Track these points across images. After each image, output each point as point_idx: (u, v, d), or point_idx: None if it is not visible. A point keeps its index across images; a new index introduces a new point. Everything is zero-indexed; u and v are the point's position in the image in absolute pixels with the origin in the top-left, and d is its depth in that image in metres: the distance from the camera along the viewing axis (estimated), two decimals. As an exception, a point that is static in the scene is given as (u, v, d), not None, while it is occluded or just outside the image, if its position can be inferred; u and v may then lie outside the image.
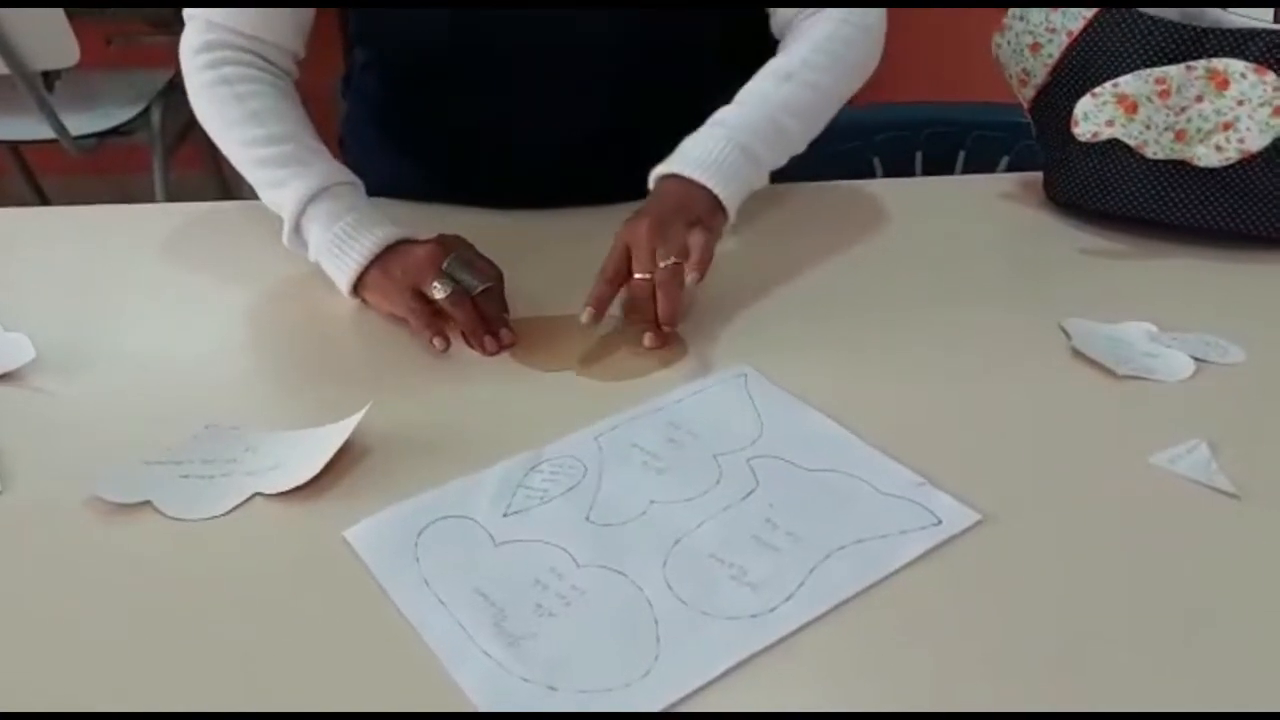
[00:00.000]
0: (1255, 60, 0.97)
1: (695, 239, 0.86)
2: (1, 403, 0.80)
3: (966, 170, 1.42)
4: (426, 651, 0.58)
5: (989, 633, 0.60)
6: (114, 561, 0.65)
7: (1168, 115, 1.00)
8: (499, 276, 0.90)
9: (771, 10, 1.05)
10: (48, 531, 0.67)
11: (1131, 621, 0.61)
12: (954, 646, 0.59)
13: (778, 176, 1.04)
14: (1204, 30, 0.99)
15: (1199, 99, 1.00)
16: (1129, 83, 1.01)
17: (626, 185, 0.96)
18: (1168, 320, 0.90)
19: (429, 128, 1.09)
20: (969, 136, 1.42)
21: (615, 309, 0.89)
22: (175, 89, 1.61)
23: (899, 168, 1.43)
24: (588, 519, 0.68)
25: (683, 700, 0.56)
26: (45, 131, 2.18)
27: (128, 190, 1.64)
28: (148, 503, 0.69)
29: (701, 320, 0.90)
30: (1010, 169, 1.38)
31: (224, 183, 2.49)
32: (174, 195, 2.31)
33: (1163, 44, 1.00)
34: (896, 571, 0.64)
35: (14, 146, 2.54)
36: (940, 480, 0.71)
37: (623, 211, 0.91)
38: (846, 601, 0.62)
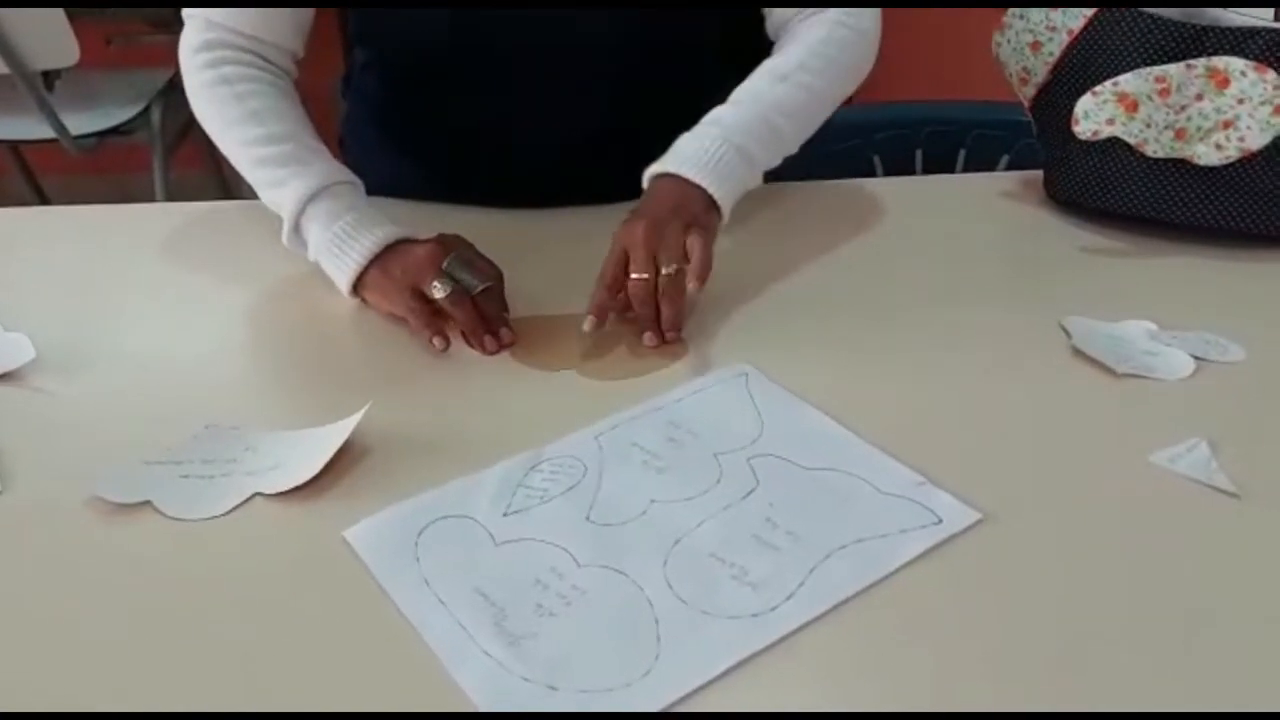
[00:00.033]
0: (1255, 59, 0.97)
1: (694, 244, 0.86)
2: (1, 402, 0.80)
3: (967, 169, 1.42)
4: (427, 651, 0.58)
5: (989, 632, 0.60)
6: (114, 561, 0.65)
7: (1168, 114, 1.00)
8: (499, 276, 0.90)
9: (767, 11, 1.05)
10: (48, 531, 0.67)
11: (1131, 621, 0.61)
12: (954, 646, 0.59)
13: (778, 175, 1.05)
14: (1204, 29, 0.99)
15: (1199, 97, 0.99)
16: (1129, 81, 1.01)
17: (626, 185, 0.96)
18: (1168, 319, 0.90)
19: (429, 127, 1.09)
20: (969, 135, 1.42)
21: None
22: (175, 88, 1.61)
23: (899, 166, 1.43)
24: (588, 518, 0.68)
25: (683, 700, 0.56)
26: (45, 131, 2.18)
27: (128, 190, 1.64)
28: (148, 503, 0.69)
29: (702, 319, 0.90)
30: (1010, 167, 1.38)
31: (224, 182, 2.49)
32: (174, 195, 2.31)
33: (1163, 42, 1.00)
34: (897, 571, 0.64)
35: (14, 146, 2.54)
36: (940, 479, 0.71)
37: (622, 211, 0.91)
38: (847, 601, 0.62)
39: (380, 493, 0.70)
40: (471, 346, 0.86)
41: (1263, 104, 0.97)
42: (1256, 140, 0.98)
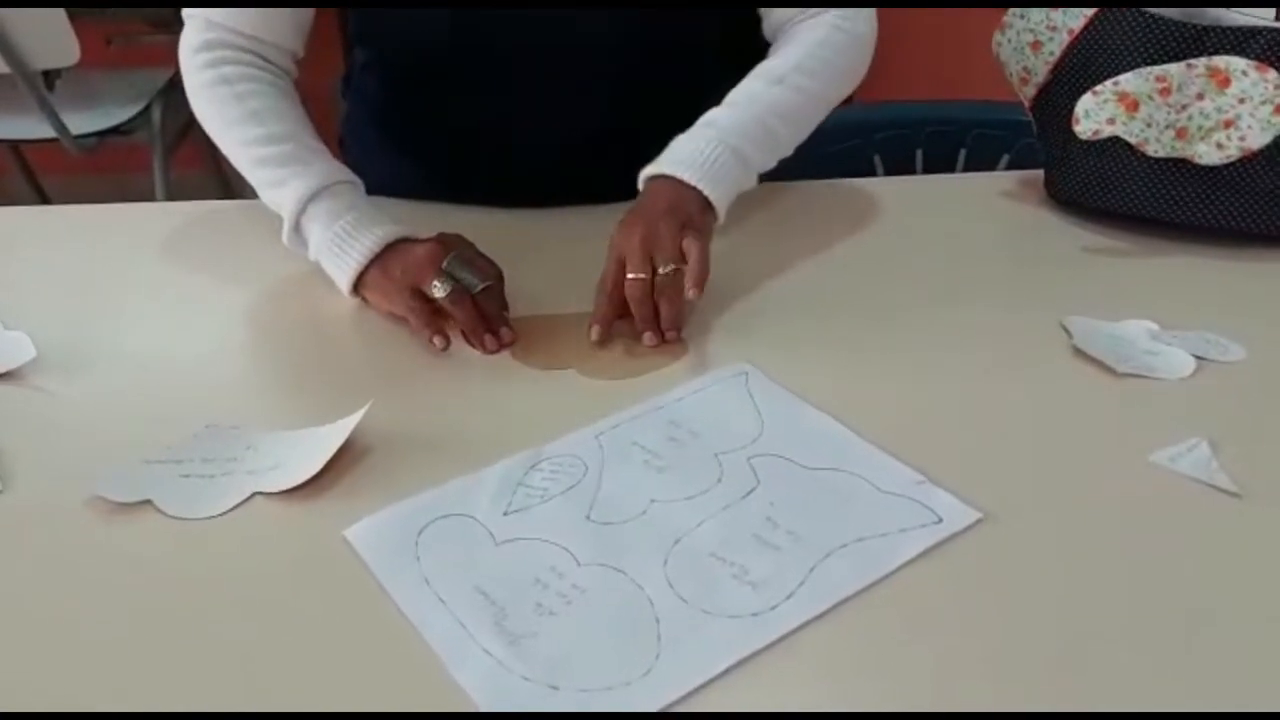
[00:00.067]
0: (1256, 58, 0.97)
1: (691, 248, 0.86)
2: (2, 402, 0.80)
3: (967, 168, 1.42)
4: (427, 650, 0.58)
5: (989, 631, 0.60)
6: (114, 561, 0.65)
7: (1169, 113, 1.00)
8: (499, 275, 0.90)
9: (764, 13, 1.05)
10: (48, 531, 0.67)
11: (1132, 620, 0.61)
12: (954, 645, 0.59)
13: (779, 175, 1.05)
14: (1205, 28, 0.99)
15: (1200, 97, 0.99)
16: (1130, 80, 1.01)
17: (626, 185, 0.96)
18: (1168, 318, 0.90)
19: (429, 127, 1.09)
20: (970, 135, 1.41)
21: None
22: (175, 88, 1.61)
23: (900, 166, 1.43)
24: (588, 518, 0.68)
25: (683, 699, 0.56)
26: (46, 130, 2.18)
27: (128, 189, 1.64)
28: (148, 502, 0.69)
29: (702, 319, 0.90)
30: (1011, 167, 1.38)
31: (224, 182, 2.49)
32: (174, 194, 2.32)
33: (1164, 42, 1.00)
34: (897, 570, 0.64)
35: (14, 145, 2.54)
36: (941, 478, 0.71)
37: (623, 211, 0.92)
38: (847, 600, 0.62)
39: (380, 492, 0.70)
40: (472, 346, 0.86)
41: (1263, 103, 0.97)
42: (1257, 140, 0.98)
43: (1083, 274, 0.99)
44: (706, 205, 0.92)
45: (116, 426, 0.78)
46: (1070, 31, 1.05)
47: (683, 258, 0.87)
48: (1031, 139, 1.15)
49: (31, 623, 0.61)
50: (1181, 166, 1.01)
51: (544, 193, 1.07)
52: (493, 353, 0.85)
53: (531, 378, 0.83)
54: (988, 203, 1.14)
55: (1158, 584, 0.63)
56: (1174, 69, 0.99)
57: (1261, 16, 1.01)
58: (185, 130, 2.31)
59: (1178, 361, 0.84)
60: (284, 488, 0.70)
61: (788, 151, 1.00)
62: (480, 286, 0.87)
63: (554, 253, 1.00)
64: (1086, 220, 1.08)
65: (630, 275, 0.86)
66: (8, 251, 1.03)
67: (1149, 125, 1.01)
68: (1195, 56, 0.99)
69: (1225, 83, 0.98)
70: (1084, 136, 1.03)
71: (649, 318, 0.86)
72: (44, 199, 2.70)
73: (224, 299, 0.94)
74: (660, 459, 0.74)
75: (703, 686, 0.56)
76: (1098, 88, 1.02)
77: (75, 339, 0.87)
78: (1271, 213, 1.00)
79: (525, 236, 1.01)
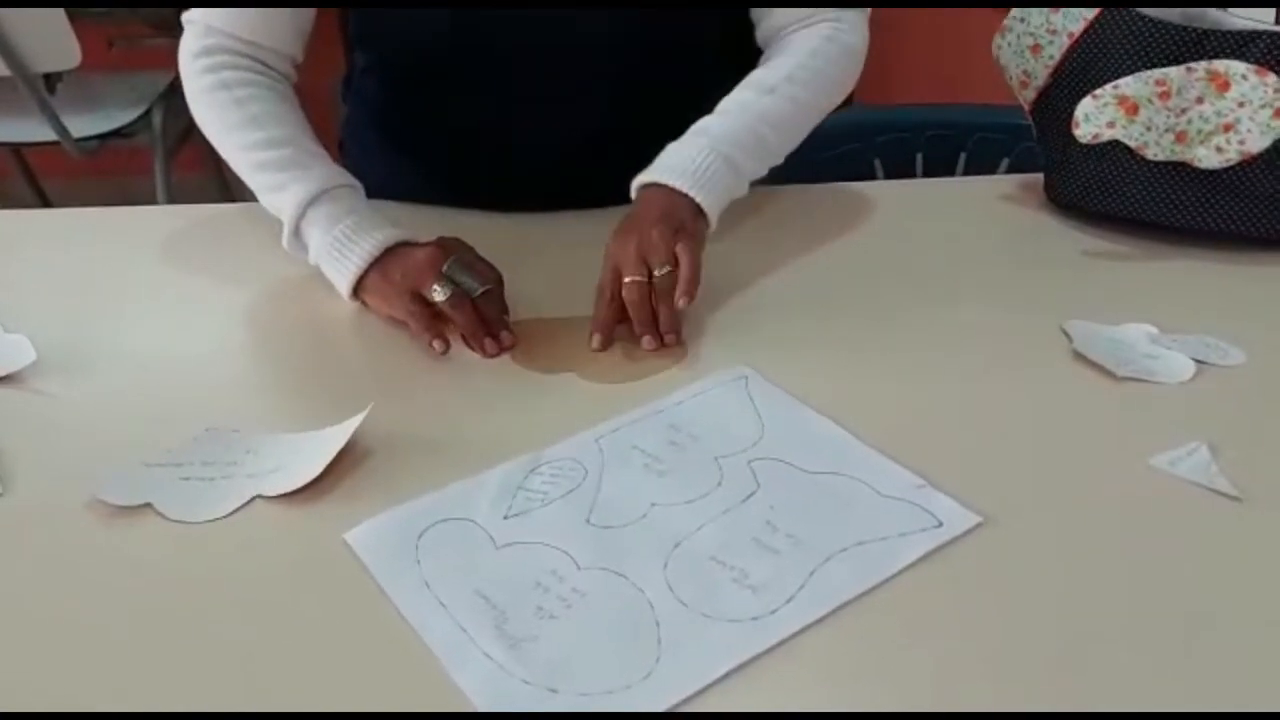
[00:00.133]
0: (1256, 62, 0.97)
1: (682, 255, 0.87)
2: (2, 404, 0.80)
3: (967, 172, 1.42)
4: (427, 654, 0.58)
5: (990, 635, 0.60)
6: (115, 563, 0.65)
7: (1168, 117, 1.00)
8: (499, 279, 0.90)
9: (758, 21, 1.05)
10: (48, 533, 0.67)
11: (1132, 624, 0.61)
12: (955, 648, 0.59)
13: (779, 178, 1.05)
14: (1205, 32, 0.99)
15: (1200, 100, 1.00)
16: (1130, 84, 1.01)
17: (626, 186, 0.96)
18: (1168, 322, 0.90)
19: (429, 129, 1.10)
20: (970, 138, 1.42)
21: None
22: (176, 91, 1.62)
23: (900, 169, 1.43)
24: (588, 521, 0.68)
25: (684, 702, 0.56)
26: (47, 133, 2.18)
27: (129, 192, 1.64)
28: (148, 505, 0.69)
29: (702, 322, 0.90)
30: (1011, 171, 1.38)
31: (225, 185, 2.49)
32: (175, 197, 2.32)
33: (1163, 45, 1.00)
34: (897, 574, 0.64)
35: (15, 148, 2.54)
36: (941, 482, 0.71)
37: (622, 215, 0.92)
38: (847, 604, 0.62)
39: (381, 495, 0.70)
40: (472, 349, 0.86)
41: (1263, 107, 0.97)
42: (1257, 143, 0.98)
43: (1082, 278, 0.99)
44: (699, 212, 0.92)
45: (117, 429, 0.78)
46: (1070, 35, 1.05)
47: (677, 262, 0.87)
48: (1031, 143, 1.15)
49: (32, 625, 0.61)
50: (1181, 170, 1.01)
51: (544, 194, 1.07)
52: (493, 356, 0.85)
53: (531, 381, 0.83)
54: (988, 206, 1.14)
55: (1157, 587, 0.63)
56: (1174, 73, 1.00)
57: (1261, 20, 1.01)
58: (186, 133, 2.32)
59: (1177, 365, 0.84)
60: (284, 491, 0.70)
61: (778, 160, 1.01)
62: (480, 290, 0.87)
63: (554, 256, 1.00)
64: (1086, 224, 1.08)
65: (627, 279, 0.86)
66: (9, 254, 1.03)
67: (1149, 129, 1.01)
68: (1195, 60, 0.99)
69: (1225, 86, 0.98)
70: (1084, 140, 1.03)
71: (647, 321, 0.86)
72: (45, 202, 2.70)
73: (224, 302, 0.95)
74: (660, 462, 0.74)
75: (703, 690, 0.56)
76: (1097, 91, 1.02)
77: (76, 342, 0.87)
78: (1271, 216, 1.00)
79: (525, 240, 1.02)
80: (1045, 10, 1.06)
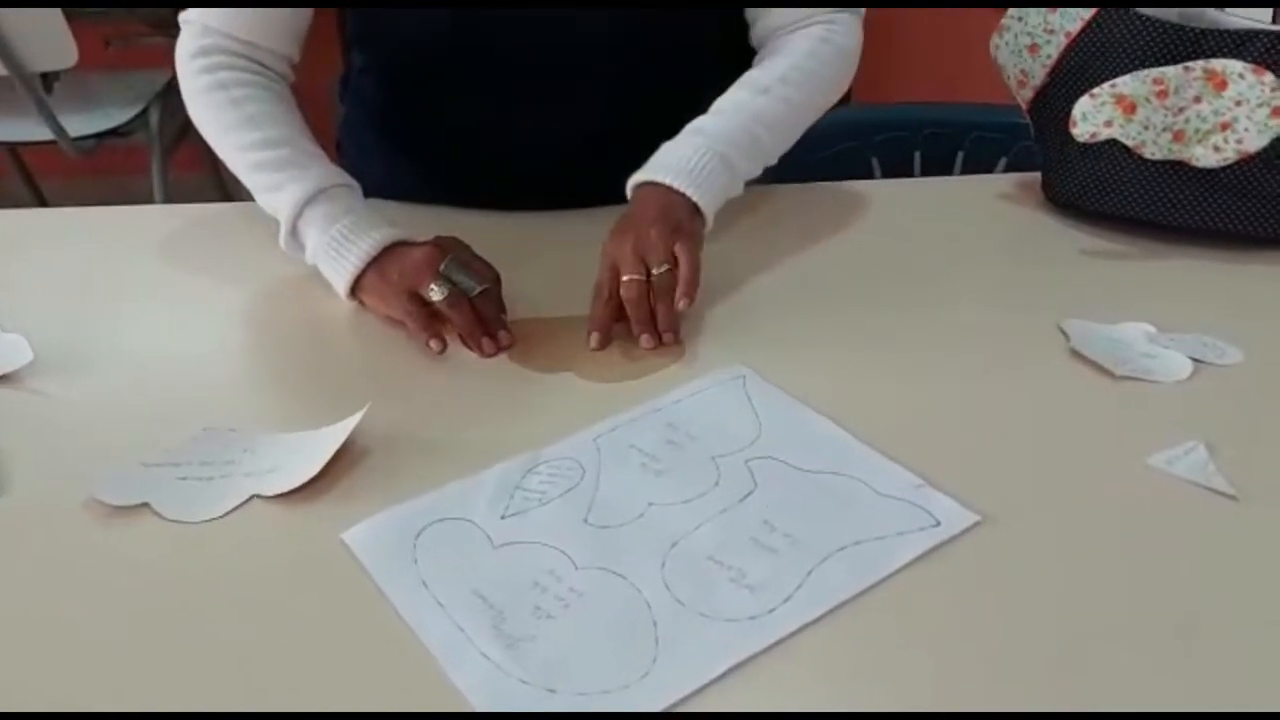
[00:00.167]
0: (1253, 61, 0.97)
1: (682, 255, 0.87)
2: (-1, 405, 0.80)
3: (965, 171, 1.42)
4: (425, 653, 0.58)
5: (988, 634, 0.60)
6: (112, 563, 0.65)
7: (1166, 116, 1.01)
8: (496, 278, 0.90)
9: (752, 22, 1.06)
10: (46, 533, 0.67)
11: (1130, 622, 0.61)
12: (953, 647, 0.59)
13: (777, 177, 1.05)
14: (1202, 31, 0.99)
15: (1197, 99, 1.00)
16: (1127, 83, 1.01)
17: (625, 186, 0.96)
18: (1166, 321, 0.90)
19: (427, 129, 1.09)
20: (968, 137, 1.42)
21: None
22: (173, 90, 1.62)
23: (898, 168, 1.43)
24: (586, 521, 0.68)
25: (681, 702, 0.56)
26: (44, 133, 2.18)
27: (126, 191, 1.64)
28: (146, 505, 0.69)
29: (700, 321, 0.90)
30: (1009, 170, 1.38)
31: (222, 184, 2.49)
32: (172, 196, 2.32)
33: (1161, 45, 1.00)
34: (895, 573, 0.64)
35: (12, 148, 2.54)
36: (939, 481, 0.71)
37: (620, 214, 0.92)
38: (845, 603, 0.62)
39: (378, 495, 0.70)
40: (469, 349, 0.86)
41: (1260, 106, 0.97)
42: (1254, 142, 0.98)
43: (1080, 276, 1.00)
44: (696, 211, 0.92)
45: (114, 429, 0.78)
46: (1068, 34, 1.05)
47: (676, 260, 0.87)
48: (1029, 141, 1.15)
49: (30, 624, 0.61)
50: (1179, 169, 1.01)
51: (543, 194, 1.07)
52: (490, 356, 0.85)
53: (529, 380, 0.83)
54: (985, 205, 1.14)
55: (1155, 586, 0.63)
56: (1171, 72, 1.00)
57: (1258, 19, 1.01)
58: (183, 132, 2.32)
59: (1175, 364, 0.84)
60: (282, 490, 0.70)
61: (772, 160, 1.01)
62: (478, 289, 0.87)
63: (552, 256, 1.00)
64: (1084, 223, 1.08)
65: (625, 277, 0.86)
66: (6, 254, 1.03)
67: (1146, 128, 1.01)
68: (1192, 59, 0.99)
69: (1222, 85, 0.98)
70: (1081, 139, 1.03)
71: (645, 320, 0.86)
72: (42, 201, 2.70)
73: (222, 301, 0.94)
74: (658, 462, 0.74)
75: (700, 689, 0.56)
76: (1095, 90, 1.02)
77: (73, 341, 0.87)
78: (1269, 215, 1.00)
79: (523, 239, 1.01)
80: (1043, 10, 1.06)
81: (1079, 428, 0.78)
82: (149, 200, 2.29)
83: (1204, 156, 1.00)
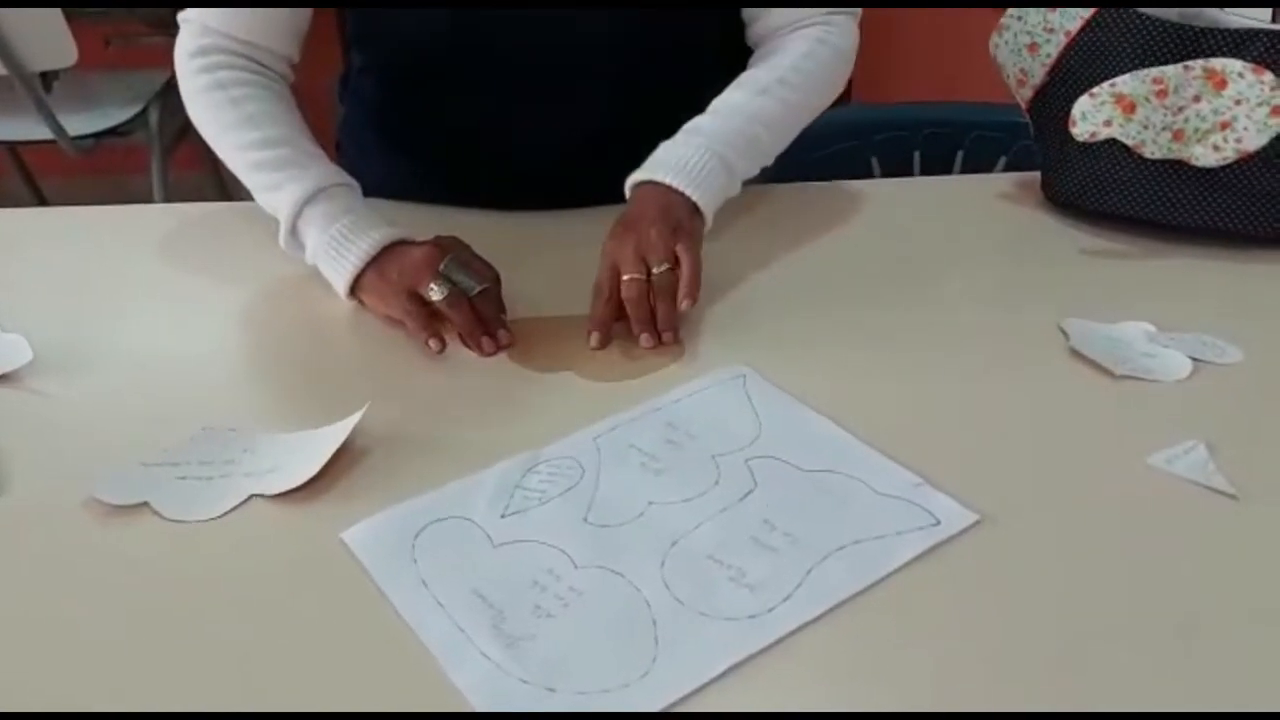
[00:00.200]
0: (1253, 60, 0.97)
1: (683, 256, 0.87)
2: (-1, 404, 0.80)
3: (965, 170, 1.42)
4: (424, 653, 0.58)
5: (987, 633, 0.60)
6: (112, 563, 0.65)
7: (1165, 115, 1.00)
8: (496, 278, 0.89)
9: (749, 22, 1.06)
10: (45, 533, 0.67)
11: (1130, 621, 0.61)
12: (953, 647, 0.59)
13: (776, 176, 1.05)
14: (1202, 30, 0.99)
15: (1197, 99, 1.00)
16: (1127, 83, 1.01)
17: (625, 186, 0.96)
18: (1166, 320, 0.90)
19: (427, 129, 1.09)
20: (967, 136, 1.42)
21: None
22: (173, 89, 1.62)
23: (897, 168, 1.43)
24: (585, 520, 0.68)
25: (681, 701, 0.56)
26: (43, 132, 2.18)
27: (126, 191, 1.64)
28: (145, 504, 0.69)
29: (699, 320, 0.90)
30: (1008, 169, 1.38)
31: (222, 183, 2.49)
32: (172, 196, 2.32)
33: (1160, 44, 1.00)
34: (895, 572, 0.64)
35: (12, 147, 2.54)
36: (939, 481, 0.71)
37: (620, 214, 0.92)
38: (844, 602, 0.62)
39: (378, 494, 0.70)
40: (469, 348, 0.86)
41: (1260, 105, 0.97)
42: (1254, 141, 0.98)
43: (1080, 276, 1.00)
44: (695, 211, 0.92)
45: (114, 428, 0.78)
46: (1067, 34, 1.05)
47: (676, 260, 0.87)
48: (1029, 141, 1.15)
49: (29, 624, 0.61)
50: (1178, 168, 1.01)
51: (543, 194, 1.07)
52: (490, 355, 0.85)
53: (529, 380, 0.83)
54: (985, 205, 1.14)
55: (1155, 585, 0.63)
56: (1171, 71, 1.00)
57: (1258, 18, 1.01)
58: (183, 132, 2.32)
59: (1175, 364, 0.84)
60: (281, 490, 0.70)
61: (769, 161, 1.02)
62: (477, 289, 0.87)
63: (552, 255, 1.00)
64: (1084, 222, 1.08)
65: (626, 276, 0.86)
66: (5, 253, 1.03)
67: (1146, 127, 1.01)
68: (1192, 58, 0.99)
69: (1222, 85, 0.98)
70: (1081, 138, 1.03)
71: (645, 319, 0.86)
72: (41, 200, 2.70)
73: (221, 301, 0.94)
74: (658, 461, 0.74)
75: (700, 689, 0.56)
76: (1095, 90, 1.02)
77: (72, 341, 0.87)
78: (1268, 214, 1.00)
79: (523, 239, 1.01)
80: (1042, 9, 1.06)
81: (1079, 427, 0.78)
82: (148, 200, 2.29)
83: (1203, 156, 1.00)
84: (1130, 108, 1.01)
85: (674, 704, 0.55)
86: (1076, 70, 1.05)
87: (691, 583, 0.63)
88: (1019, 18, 1.08)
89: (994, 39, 1.11)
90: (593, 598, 0.62)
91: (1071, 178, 1.07)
